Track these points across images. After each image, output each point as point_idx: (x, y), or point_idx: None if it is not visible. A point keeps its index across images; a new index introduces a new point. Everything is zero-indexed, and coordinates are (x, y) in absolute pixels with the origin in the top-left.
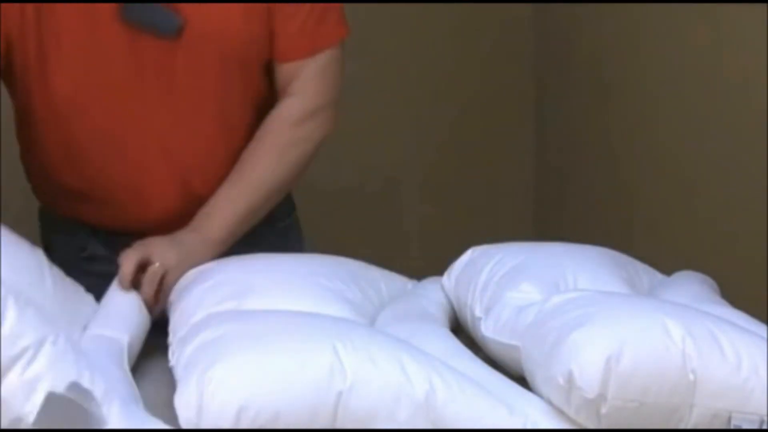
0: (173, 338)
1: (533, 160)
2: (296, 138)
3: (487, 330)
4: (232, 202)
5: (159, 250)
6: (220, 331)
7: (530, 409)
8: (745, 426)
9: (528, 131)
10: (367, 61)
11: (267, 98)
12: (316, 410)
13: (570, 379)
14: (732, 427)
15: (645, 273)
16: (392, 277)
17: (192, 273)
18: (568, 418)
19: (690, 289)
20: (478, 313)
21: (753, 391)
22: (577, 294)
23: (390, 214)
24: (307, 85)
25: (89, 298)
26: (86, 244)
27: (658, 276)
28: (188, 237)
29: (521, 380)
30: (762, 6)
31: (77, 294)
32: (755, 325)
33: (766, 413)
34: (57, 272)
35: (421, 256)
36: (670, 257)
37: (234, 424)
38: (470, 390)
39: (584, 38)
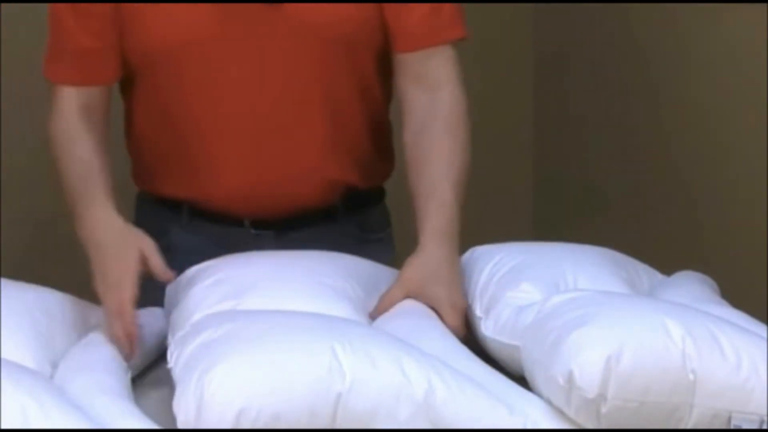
0: (172, 338)
1: (533, 160)
2: (467, 124)
3: (487, 330)
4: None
5: (428, 292)
6: (218, 332)
7: (530, 409)
8: (745, 426)
9: (528, 131)
10: None
11: (377, 88)
12: (316, 411)
13: (570, 378)
14: (732, 427)
15: (645, 273)
16: (393, 274)
17: (191, 271)
18: (568, 419)
19: (690, 289)
20: (478, 312)
21: (753, 391)
22: (578, 294)
23: (390, 214)
24: (450, 77)
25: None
26: (167, 229)
27: (658, 276)
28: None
29: (521, 380)
30: (762, 6)
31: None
32: (755, 325)
33: (766, 413)
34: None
35: None
36: (670, 257)
37: (234, 427)
38: (470, 390)
39: (584, 38)
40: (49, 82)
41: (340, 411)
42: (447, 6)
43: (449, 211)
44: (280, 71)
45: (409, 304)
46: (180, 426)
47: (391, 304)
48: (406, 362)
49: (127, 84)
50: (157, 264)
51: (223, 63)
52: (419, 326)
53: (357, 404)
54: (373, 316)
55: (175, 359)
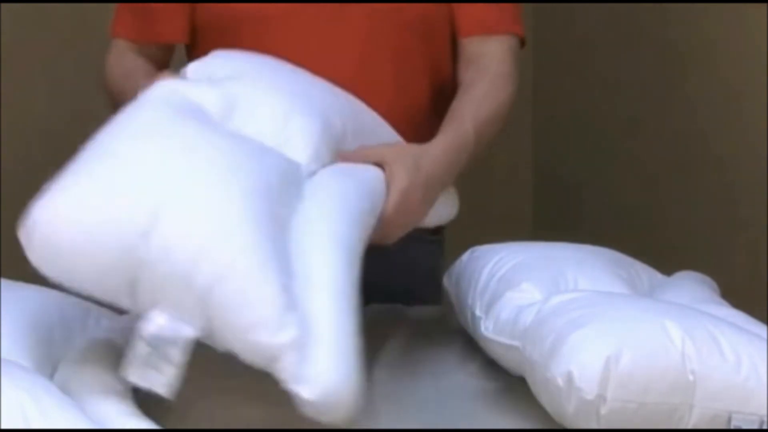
0: None
1: (533, 160)
2: (496, 86)
3: (487, 330)
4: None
5: (396, 169)
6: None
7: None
8: (745, 426)
9: (527, 131)
10: None
11: (449, 78)
12: (123, 259)
13: (569, 379)
14: (732, 427)
15: (645, 273)
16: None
17: None
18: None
19: (690, 289)
20: (478, 312)
21: (753, 392)
22: (577, 294)
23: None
24: (494, 59)
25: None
26: None
27: (658, 276)
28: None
29: (521, 380)
30: (762, 6)
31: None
32: (755, 325)
33: (765, 414)
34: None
35: None
36: (670, 257)
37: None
38: (259, 278)
39: (584, 38)
40: (109, 39)
41: (145, 267)
42: (509, 5)
43: (463, 136)
44: (352, 51)
45: (370, 168)
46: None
47: (359, 159)
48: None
49: (193, 54)
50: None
51: (295, 39)
52: (349, 186)
53: (164, 263)
54: (338, 158)
55: None
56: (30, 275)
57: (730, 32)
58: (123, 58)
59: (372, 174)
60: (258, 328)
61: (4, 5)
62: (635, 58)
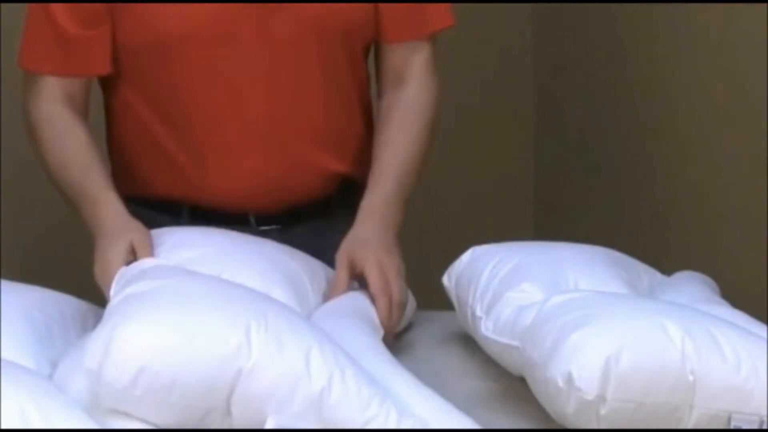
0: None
1: (533, 160)
2: (426, 118)
3: (487, 330)
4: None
5: (358, 257)
6: (147, 286)
7: (424, 412)
8: (744, 426)
9: (527, 131)
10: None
11: (365, 81)
12: (214, 385)
13: (569, 380)
14: (732, 427)
15: (645, 273)
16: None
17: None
18: (465, 419)
19: (690, 289)
20: (478, 312)
21: (753, 392)
22: (577, 295)
23: None
24: (420, 73)
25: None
26: None
27: (658, 276)
28: (377, 232)
29: (521, 380)
30: (762, 6)
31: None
32: (755, 326)
33: (765, 414)
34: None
35: (421, 256)
36: (670, 257)
37: (131, 385)
38: (366, 392)
39: (583, 38)
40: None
41: (237, 390)
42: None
43: (385, 197)
44: (278, 62)
45: (347, 298)
46: (85, 373)
47: (341, 287)
48: (313, 353)
49: (115, 81)
50: (144, 255)
51: (221, 54)
52: (342, 322)
53: (254, 386)
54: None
55: (108, 306)
56: (30, 275)
57: (732, 28)
58: (54, 112)
59: (356, 302)
60: (376, 421)
61: (3, 5)
62: (637, 58)
